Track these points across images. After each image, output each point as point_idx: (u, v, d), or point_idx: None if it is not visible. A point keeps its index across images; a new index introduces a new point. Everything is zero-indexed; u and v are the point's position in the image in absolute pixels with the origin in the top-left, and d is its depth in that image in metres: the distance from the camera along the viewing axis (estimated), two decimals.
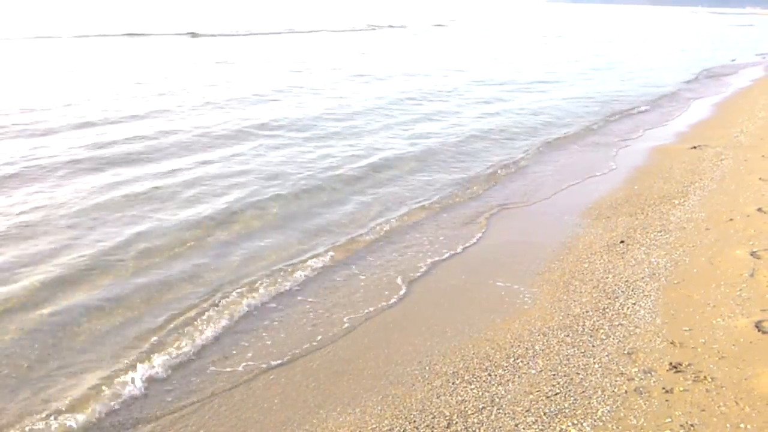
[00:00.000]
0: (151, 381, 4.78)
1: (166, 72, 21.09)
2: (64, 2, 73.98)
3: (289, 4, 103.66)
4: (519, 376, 4.74)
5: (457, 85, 20.93)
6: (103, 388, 4.64)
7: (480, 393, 4.56)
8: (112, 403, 4.51)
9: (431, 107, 16.73)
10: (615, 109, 17.20)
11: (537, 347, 5.15)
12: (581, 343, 5.16)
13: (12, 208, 8.08)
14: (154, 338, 5.35)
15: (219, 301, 5.96)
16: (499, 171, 10.80)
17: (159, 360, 5.00)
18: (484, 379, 4.74)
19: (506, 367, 4.89)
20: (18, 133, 11.89)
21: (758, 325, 5.20)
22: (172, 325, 5.56)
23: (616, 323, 5.46)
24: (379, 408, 4.46)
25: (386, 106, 16.41)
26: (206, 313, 5.73)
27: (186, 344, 5.25)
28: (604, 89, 20.76)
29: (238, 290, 6.18)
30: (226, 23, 47.80)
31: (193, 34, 36.83)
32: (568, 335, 5.31)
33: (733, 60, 33.15)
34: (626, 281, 6.29)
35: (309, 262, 6.88)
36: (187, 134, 12.40)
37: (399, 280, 6.53)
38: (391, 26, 56.12)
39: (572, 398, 4.42)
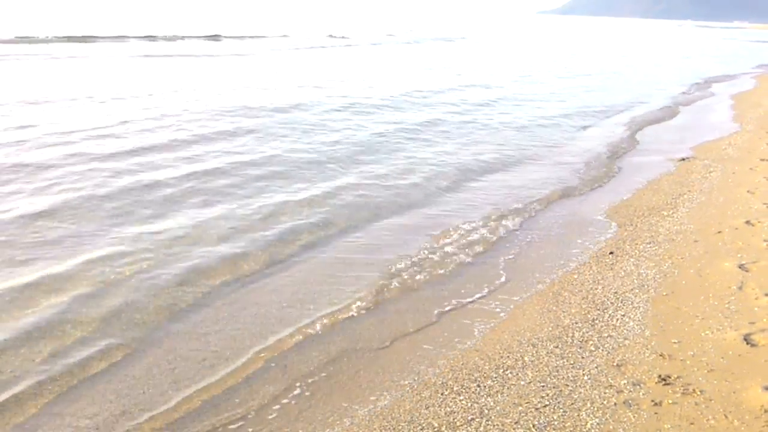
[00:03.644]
0: None
1: None
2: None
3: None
4: (508, 388, 4.72)
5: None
6: None
7: (469, 404, 4.53)
8: None
9: None
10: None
11: (526, 358, 5.13)
12: (570, 355, 5.15)
13: None
14: None
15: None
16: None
17: None
18: (473, 390, 4.71)
19: (495, 378, 4.86)
20: None
21: (747, 338, 5.21)
22: None
23: (606, 335, 5.46)
24: (368, 419, 4.42)
25: None
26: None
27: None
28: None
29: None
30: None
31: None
32: (557, 346, 5.30)
33: None
34: (615, 292, 6.30)
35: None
36: None
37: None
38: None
39: (561, 410, 4.40)
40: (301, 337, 5.53)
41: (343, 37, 50.40)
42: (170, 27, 49.50)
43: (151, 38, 39.14)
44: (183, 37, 41.41)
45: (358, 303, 6.14)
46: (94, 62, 25.76)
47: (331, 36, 51.39)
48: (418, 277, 6.78)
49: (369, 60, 33.24)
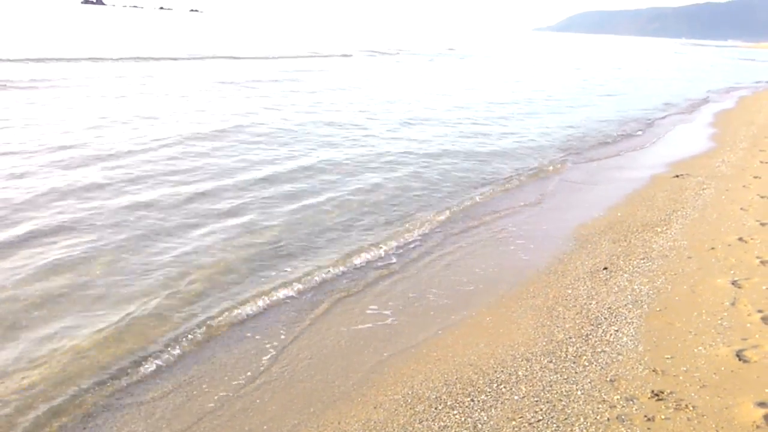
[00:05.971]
0: None
1: None
2: None
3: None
4: (502, 402, 4.72)
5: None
6: None
7: (462, 419, 4.53)
8: None
9: None
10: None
11: (520, 373, 5.14)
12: (564, 370, 5.16)
13: None
14: None
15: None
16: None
17: None
18: (466, 404, 4.71)
19: (489, 392, 4.87)
20: None
21: (739, 354, 5.23)
22: None
23: (599, 350, 5.47)
24: None
25: None
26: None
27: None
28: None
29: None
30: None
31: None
32: (551, 361, 5.31)
33: None
34: (609, 308, 6.32)
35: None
36: None
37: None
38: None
39: (555, 425, 4.40)
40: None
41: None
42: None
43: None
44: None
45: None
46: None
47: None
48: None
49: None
